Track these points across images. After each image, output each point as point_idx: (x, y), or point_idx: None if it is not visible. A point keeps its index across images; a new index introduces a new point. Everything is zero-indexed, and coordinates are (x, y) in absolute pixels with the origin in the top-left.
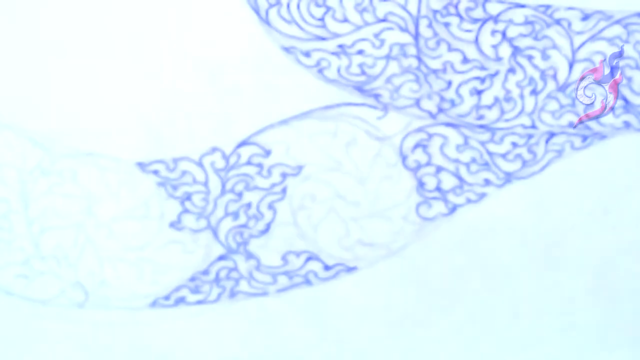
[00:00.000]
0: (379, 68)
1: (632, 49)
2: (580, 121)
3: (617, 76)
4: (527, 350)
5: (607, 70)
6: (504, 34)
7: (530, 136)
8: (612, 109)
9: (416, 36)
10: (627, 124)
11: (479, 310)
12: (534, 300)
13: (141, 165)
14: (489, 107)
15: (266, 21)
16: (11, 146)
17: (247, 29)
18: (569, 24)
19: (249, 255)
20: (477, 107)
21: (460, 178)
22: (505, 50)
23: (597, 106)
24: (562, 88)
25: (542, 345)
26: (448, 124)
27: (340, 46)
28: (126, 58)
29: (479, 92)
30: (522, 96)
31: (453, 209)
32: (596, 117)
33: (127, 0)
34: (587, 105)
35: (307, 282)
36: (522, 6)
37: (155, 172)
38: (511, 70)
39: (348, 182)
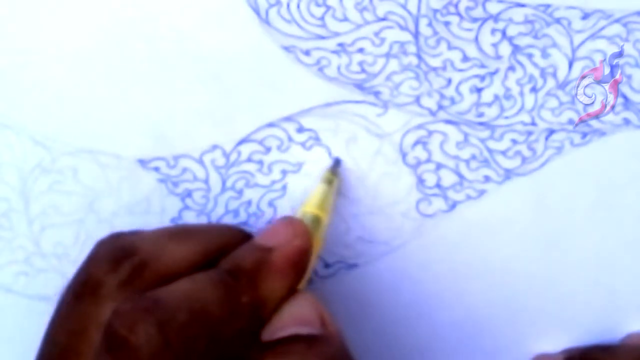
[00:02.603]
0: (379, 66)
1: (632, 47)
2: (581, 120)
3: (618, 76)
4: (526, 346)
5: (607, 70)
6: (503, 32)
7: (529, 133)
8: (613, 108)
9: (416, 34)
10: (626, 121)
11: (479, 307)
12: (533, 297)
13: (142, 162)
14: (489, 105)
15: (266, 21)
16: (11, 145)
17: (247, 29)
18: (569, 23)
19: None
20: (477, 104)
21: (460, 175)
22: (505, 49)
23: (597, 106)
24: (561, 86)
25: (541, 341)
26: (448, 121)
27: (341, 45)
28: (126, 56)
29: (479, 90)
30: (521, 94)
31: (453, 205)
32: (596, 117)
33: (126, 0)
34: (587, 105)
35: (307, 279)
36: (522, 5)
37: (156, 169)
38: (511, 69)
39: (348, 179)
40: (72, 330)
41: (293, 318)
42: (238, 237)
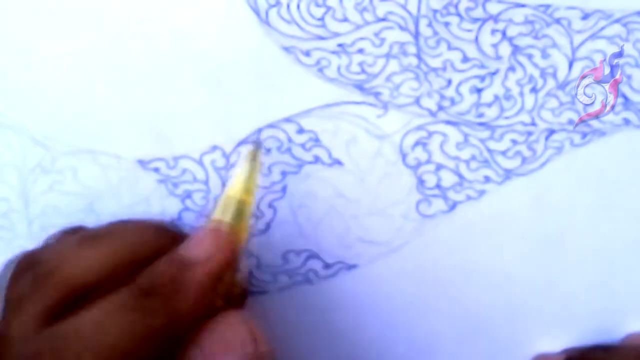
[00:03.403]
0: (379, 66)
1: (632, 47)
2: (581, 121)
3: (618, 76)
4: (526, 346)
5: (607, 70)
6: (503, 33)
7: (529, 133)
8: (613, 108)
9: (416, 35)
10: (626, 121)
11: (479, 307)
12: (534, 297)
13: (142, 163)
14: (489, 105)
15: (266, 21)
16: (11, 145)
17: (247, 29)
18: (569, 23)
19: (249, 254)
20: (477, 105)
21: (460, 175)
22: (505, 49)
23: (597, 106)
24: (561, 86)
25: (541, 341)
26: (448, 122)
27: (341, 45)
28: (126, 57)
29: (479, 90)
30: (521, 94)
31: (453, 206)
32: (596, 117)
33: (126, 0)
34: (587, 105)
35: (308, 280)
36: (522, 6)
37: (156, 170)
38: (511, 69)
39: (348, 180)
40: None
41: (222, 344)
42: (159, 237)
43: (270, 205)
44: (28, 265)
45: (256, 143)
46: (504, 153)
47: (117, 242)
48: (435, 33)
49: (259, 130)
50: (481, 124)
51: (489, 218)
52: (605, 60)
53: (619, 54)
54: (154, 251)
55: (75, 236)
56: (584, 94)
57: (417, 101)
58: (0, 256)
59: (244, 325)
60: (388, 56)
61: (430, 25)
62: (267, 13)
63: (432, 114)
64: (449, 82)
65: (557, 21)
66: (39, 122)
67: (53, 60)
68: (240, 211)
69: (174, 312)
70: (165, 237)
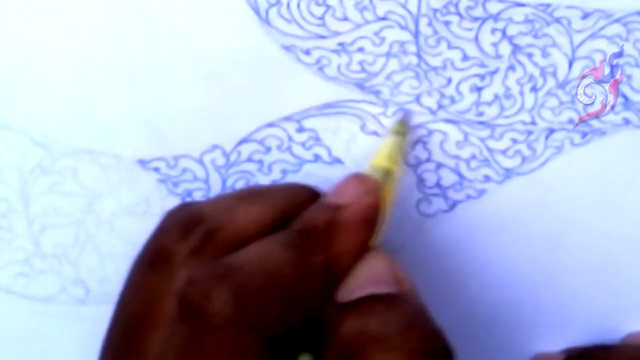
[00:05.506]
0: (379, 65)
1: (632, 47)
2: (581, 120)
3: (618, 76)
4: (527, 346)
5: (607, 70)
6: (503, 32)
7: (529, 132)
8: (613, 108)
9: (416, 34)
10: (626, 121)
11: (479, 307)
12: (534, 297)
13: (142, 163)
14: (489, 104)
15: (266, 20)
16: (11, 145)
17: (247, 28)
18: (569, 22)
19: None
20: (477, 103)
21: (460, 174)
22: (505, 48)
23: (597, 106)
24: (561, 85)
25: (541, 341)
26: (448, 121)
27: (341, 44)
28: (126, 56)
29: (479, 89)
30: (521, 93)
31: (453, 205)
32: (596, 117)
33: (126, 0)
34: (587, 104)
35: None
36: (522, 5)
37: (156, 170)
38: (511, 68)
39: None
40: (146, 299)
41: (369, 277)
42: (307, 195)
43: None
44: (195, 222)
45: (404, 113)
46: (504, 152)
47: (274, 197)
48: (436, 32)
49: (259, 128)
50: (481, 122)
51: (489, 217)
52: (605, 60)
53: (619, 54)
54: (306, 205)
55: (231, 195)
56: (584, 94)
57: (417, 100)
58: (0, 257)
59: (388, 263)
60: (388, 55)
61: (430, 24)
62: (267, 12)
63: (432, 112)
64: (449, 80)
65: (557, 20)
66: (39, 122)
67: (53, 60)
68: (384, 177)
69: (330, 252)
70: (314, 194)
